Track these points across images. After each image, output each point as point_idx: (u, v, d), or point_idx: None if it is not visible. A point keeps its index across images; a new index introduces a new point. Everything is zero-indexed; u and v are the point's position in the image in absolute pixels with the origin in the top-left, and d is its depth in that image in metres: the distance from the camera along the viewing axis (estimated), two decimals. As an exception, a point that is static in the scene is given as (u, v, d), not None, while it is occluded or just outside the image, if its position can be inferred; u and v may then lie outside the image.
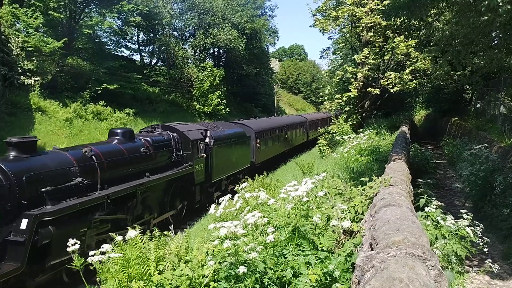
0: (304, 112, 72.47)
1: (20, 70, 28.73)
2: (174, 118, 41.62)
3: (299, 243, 4.11)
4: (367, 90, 22.75)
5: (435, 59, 20.84)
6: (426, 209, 5.60)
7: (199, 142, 15.54)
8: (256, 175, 13.22)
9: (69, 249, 3.71)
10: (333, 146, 23.72)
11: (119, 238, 4.57)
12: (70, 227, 8.95)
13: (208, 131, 16.88)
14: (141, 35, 49.87)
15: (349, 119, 24.18)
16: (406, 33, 22.08)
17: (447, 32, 12.49)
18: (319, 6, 24.84)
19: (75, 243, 3.71)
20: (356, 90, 22.89)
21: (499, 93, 18.26)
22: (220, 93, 48.87)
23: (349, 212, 4.95)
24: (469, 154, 13.03)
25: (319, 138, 26.58)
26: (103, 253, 3.90)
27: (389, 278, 2.24)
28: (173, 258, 4.63)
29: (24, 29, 31.07)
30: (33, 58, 29.81)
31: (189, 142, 14.92)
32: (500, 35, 12.44)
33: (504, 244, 8.40)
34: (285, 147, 31.55)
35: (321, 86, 72.04)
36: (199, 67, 50.42)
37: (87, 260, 3.80)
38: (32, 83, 29.05)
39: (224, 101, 49.50)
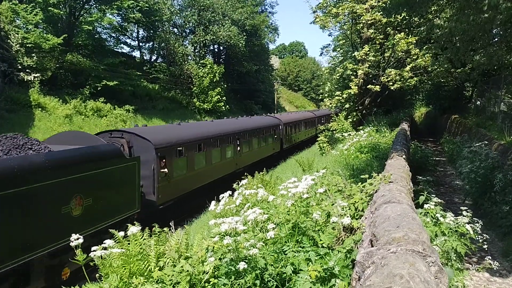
0: (303, 110, 72.26)
1: (19, 67, 28.73)
2: (174, 115, 41.67)
3: (299, 240, 4.12)
4: (367, 87, 22.73)
5: (435, 56, 20.83)
6: (426, 206, 5.60)
7: None
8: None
9: (72, 244, 3.72)
10: (333, 143, 23.71)
11: (120, 233, 4.58)
12: None
13: None
14: (141, 32, 49.93)
15: (349, 116, 24.18)
16: (406, 30, 22.05)
17: (446, 30, 12.48)
18: (320, 3, 24.78)
19: (78, 238, 3.72)
20: (356, 87, 22.87)
21: (499, 91, 18.25)
22: (220, 90, 48.86)
23: (349, 209, 4.95)
24: (469, 152, 13.05)
25: (319, 138, 26.11)
26: (105, 248, 3.92)
27: (389, 274, 2.24)
28: (173, 254, 4.64)
29: (24, 25, 31.04)
30: (33, 55, 29.81)
31: None
32: (501, 32, 12.43)
33: (504, 241, 8.42)
34: (237, 165, 21.91)
35: (321, 83, 71.89)
36: (199, 64, 50.39)
37: (89, 255, 3.82)
38: (32, 79, 29.05)
39: (224, 98, 49.49)
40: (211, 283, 3.88)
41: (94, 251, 3.84)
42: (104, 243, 3.94)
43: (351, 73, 22.98)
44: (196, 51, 54.97)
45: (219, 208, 5.43)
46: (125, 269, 4.24)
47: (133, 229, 4.44)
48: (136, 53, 51.65)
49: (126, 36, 46.93)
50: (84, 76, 34.55)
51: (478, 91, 25.15)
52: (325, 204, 4.93)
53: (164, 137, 15.57)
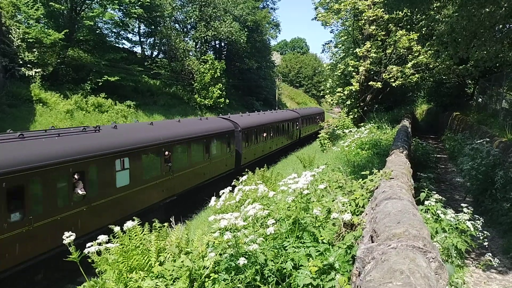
0: (307, 106, 72.01)
1: (21, 62, 28.69)
2: (175, 111, 41.62)
3: (299, 236, 4.11)
4: (369, 83, 22.67)
5: (437, 52, 20.76)
6: (427, 202, 5.59)
7: None
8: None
9: (65, 241, 3.70)
10: (334, 140, 23.70)
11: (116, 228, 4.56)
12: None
13: None
14: (142, 27, 49.70)
15: (351, 113, 24.14)
16: (408, 26, 21.98)
17: (448, 25, 12.43)
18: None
19: (71, 235, 3.70)
20: (358, 83, 22.81)
21: (501, 88, 18.20)
22: (221, 86, 48.78)
23: (349, 205, 4.95)
24: (470, 149, 13.00)
25: (319, 135, 26.36)
26: (100, 244, 3.89)
27: (390, 269, 2.24)
28: (174, 249, 4.64)
29: (25, 20, 30.98)
30: (34, 50, 29.75)
31: None
32: (500, 27, 12.38)
33: (504, 239, 8.41)
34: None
35: (323, 79, 71.72)
36: (200, 60, 50.27)
37: (84, 251, 3.79)
38: (33, 74, 29.01)
39: (225, 93, 49.43)
40: (211, 278, 3.89)
41: (89, 246, 3.81)
42: (98, 238, 3.90)
43: (353, 69, 22.92)
44: (197, 47, 54.81)
45: (219, 204, 5.42)
46: (124, 264, 4.24)
47: (129, 223, 4.44)
48: (138, 49, 51.61)
49: (127, 32, 46.76)
50: (85, 71, 34.47)
51: (480, 88, 25.08)
52: (326, 200, 4.93)
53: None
